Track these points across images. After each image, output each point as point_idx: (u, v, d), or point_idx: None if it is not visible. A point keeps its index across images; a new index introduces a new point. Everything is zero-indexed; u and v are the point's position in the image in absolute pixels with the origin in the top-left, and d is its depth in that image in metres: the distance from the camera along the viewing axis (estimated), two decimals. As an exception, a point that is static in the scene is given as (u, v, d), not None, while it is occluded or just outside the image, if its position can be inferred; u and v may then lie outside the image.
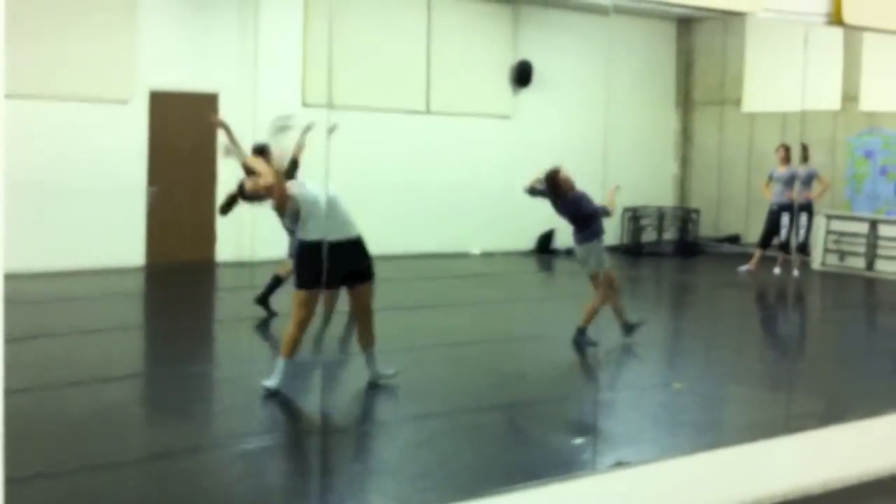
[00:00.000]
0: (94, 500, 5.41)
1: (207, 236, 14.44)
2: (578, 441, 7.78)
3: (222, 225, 14.49)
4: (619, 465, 5.41)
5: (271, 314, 10.13)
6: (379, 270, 14.28)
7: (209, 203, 14.44)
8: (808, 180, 14.67)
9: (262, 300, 10.19)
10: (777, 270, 14.80)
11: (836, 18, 5.59)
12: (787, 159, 14.75)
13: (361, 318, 7.73)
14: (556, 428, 7.29)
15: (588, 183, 17.16)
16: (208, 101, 14.38)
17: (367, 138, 15.61)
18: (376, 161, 15.69)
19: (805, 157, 14.76)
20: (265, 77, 14.90)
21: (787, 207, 14.67)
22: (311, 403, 7.52)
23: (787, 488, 5.67)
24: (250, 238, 14.66)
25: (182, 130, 14.25)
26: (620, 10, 17.18)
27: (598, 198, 16.14)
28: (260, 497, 5.59)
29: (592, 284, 9.74)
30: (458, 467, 6.07)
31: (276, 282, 10.08)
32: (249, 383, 7.87)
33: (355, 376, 8.13)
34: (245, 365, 8.85)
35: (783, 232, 14.70)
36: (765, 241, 14.90)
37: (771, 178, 14.91)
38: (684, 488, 5.31)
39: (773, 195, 14.82)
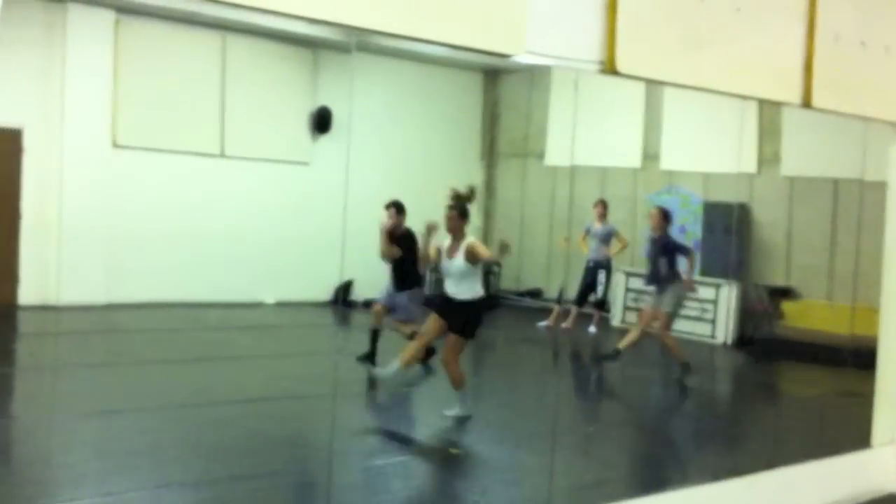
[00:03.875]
0: None
1: (8, 278, 13.52)
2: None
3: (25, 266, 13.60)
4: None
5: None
6: (164, 320, 13.63)
7: (10, 243, 13.55)
8: (607, 237, 14.52)
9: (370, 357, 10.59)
10: (592, 329, 14.58)
11: (609, 67, 5.17)
12: (604, 215, 14.57)
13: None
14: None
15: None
16: (11, 137, 13.61)
17: (159, 181, 14.92)
18: (168, 205, 14.99)
19: (604, 214, 14.65)
20: (72, 117, 14.12)
21: (604, 264, 14.48)
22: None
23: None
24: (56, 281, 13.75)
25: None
26: (427, 60, 16.98)
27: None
28: None
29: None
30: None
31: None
32: None
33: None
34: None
35: (599, 289, 14.49)
36: (581, 299, 14.65)
37: (588, 232, 14.71)
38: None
39: (589, 251, 14.61)
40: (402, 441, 8.43)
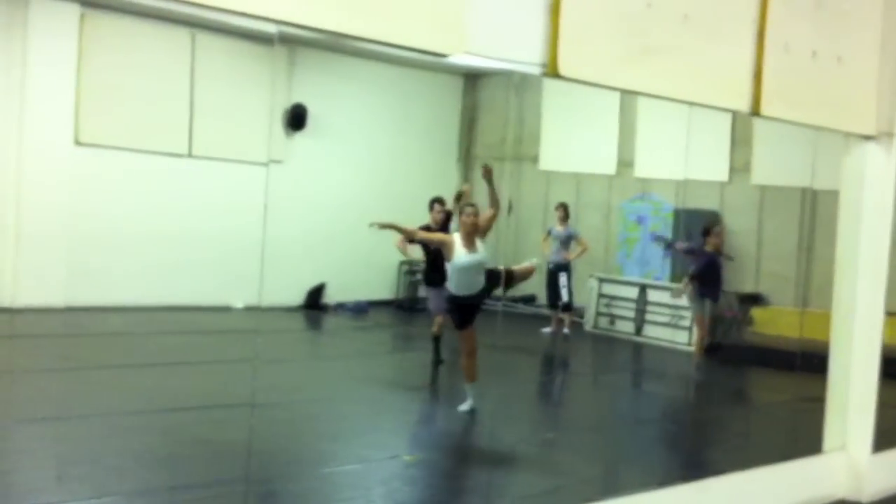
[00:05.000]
0: None
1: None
2: None
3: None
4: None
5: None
6: (125, 324, 13.43)
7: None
8: (567, 240, 14.44)
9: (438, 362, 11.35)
10: (566, 331, 14.49)
11: (552, 70, 5.06)
12: (565, 218, 14.50)
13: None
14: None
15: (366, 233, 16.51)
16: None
17: (123, 181, 14.70)
18: (132, 206, 14.74)
19: (565, 217, 14.56)
20: (33, 113, 13.87)
21: (564, 267, 14.40)
22: None
23: None
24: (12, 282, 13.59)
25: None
26: (407, 63, 16.82)
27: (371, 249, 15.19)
28: None
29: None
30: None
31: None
32: None
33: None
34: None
35: (563, 292, 14.39)
36: (553, 302, 14.61)
37: (549, 234, 14.64)
38: None
39: (550, 253, 14.53)
40: (355, 448, 8.30)
